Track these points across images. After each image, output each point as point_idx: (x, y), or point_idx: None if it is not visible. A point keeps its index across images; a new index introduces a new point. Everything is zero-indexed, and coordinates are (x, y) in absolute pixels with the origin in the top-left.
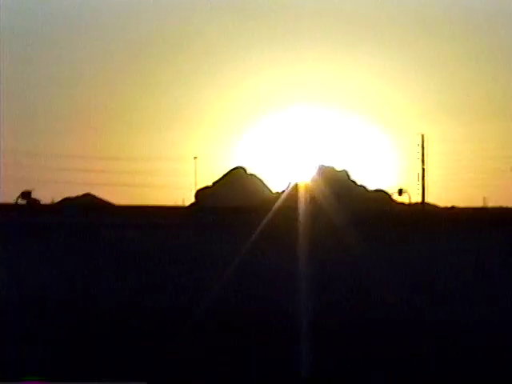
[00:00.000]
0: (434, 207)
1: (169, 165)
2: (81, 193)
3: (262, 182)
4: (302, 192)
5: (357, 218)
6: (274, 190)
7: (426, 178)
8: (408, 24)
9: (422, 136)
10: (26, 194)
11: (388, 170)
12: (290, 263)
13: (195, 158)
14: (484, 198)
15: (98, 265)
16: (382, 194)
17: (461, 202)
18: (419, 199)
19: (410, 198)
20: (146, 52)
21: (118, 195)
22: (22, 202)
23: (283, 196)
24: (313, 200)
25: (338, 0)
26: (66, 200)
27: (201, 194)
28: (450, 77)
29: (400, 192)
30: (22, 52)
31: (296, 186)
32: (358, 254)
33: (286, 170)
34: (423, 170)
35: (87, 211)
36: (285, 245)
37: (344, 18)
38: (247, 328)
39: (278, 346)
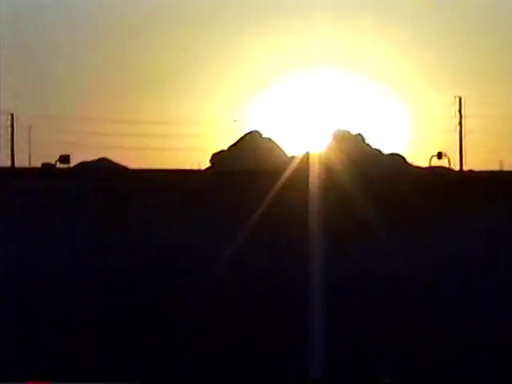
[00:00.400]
0: (452, 171)
1: (186, 129)
2: (96, 157)
3: (277, 145)
4: (313, 163)
5: (373, 188)
6: (289, 154)
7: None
8: None
9: (460, 99)
10: (64, 158)
11: (407, 135)
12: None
13: (235, 121)
14: (500, 162)
15: (124, 226)
16: (397, 158)
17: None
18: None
19: (449, 161)
20: (162, 17)
21: (134, 159)
22: (61, 165)
23: (293, 166)
24: (326, 171)
25: None
26: (82, 164)
27: (216, 157)
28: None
29: (439, 155)
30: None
31: (307, 155)
32: (375, 231)
33: (301, 134)
34: (460, 134)
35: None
36: (295, 222)
37: None
38: (255, 298)
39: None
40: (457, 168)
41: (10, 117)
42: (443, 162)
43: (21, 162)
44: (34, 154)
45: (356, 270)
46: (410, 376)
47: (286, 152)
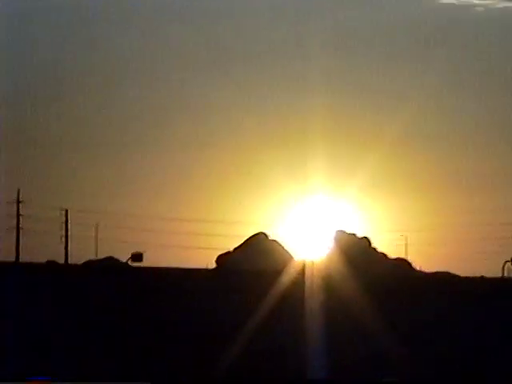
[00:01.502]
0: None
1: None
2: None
3: (283, 248)
4: (308, 273)
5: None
6: (295, 256)
7: None
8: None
9: None
10: (137, 256)
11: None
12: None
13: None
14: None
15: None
16: (402, 262)
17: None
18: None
19: None
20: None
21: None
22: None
23: (292, 271)
24: (324, 279)
25: None
26: (89, 262)
27: (222, 259)
28: None
29: None
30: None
31: (303, 264)
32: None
33: (308, 235)
34: None
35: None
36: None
37: None
38: None
39: None
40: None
41: (64, 212)
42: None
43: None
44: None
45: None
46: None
47: (292, 254)
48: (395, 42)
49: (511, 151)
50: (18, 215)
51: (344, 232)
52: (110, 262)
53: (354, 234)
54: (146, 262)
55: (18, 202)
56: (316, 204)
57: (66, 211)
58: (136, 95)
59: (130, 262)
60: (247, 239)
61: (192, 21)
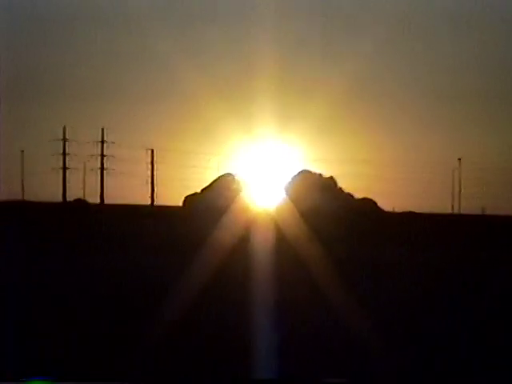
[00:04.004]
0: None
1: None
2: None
3: (248, 186)
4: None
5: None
6: (260, 198)
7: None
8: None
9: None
10: None
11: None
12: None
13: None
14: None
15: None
16: (368, 202)
17: None
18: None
19: None
20: None
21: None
22: None
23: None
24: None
25: None
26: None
27: (189, 199)
28: None
29: None
30: None
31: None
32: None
33: (272, 175)
34: None
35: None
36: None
37: None
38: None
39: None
40: None
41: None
42: None
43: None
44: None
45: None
46: None
47: (257, 192)
48: None
49: None
50: (102, 155)
51: (309, 172)
52: None
53: (320, 174)
54: None
55: (103, 141)
56: (269, 147)
57: (152, 151)
58: None
59: None
60: (214, 180)
61: None
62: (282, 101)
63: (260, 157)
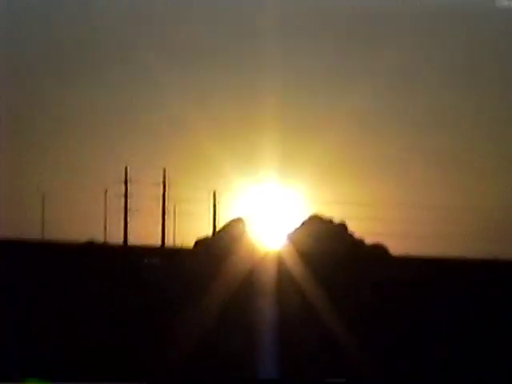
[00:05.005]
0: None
1: None
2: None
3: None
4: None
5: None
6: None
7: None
8: None
9: None
10: None
11: None
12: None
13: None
14: None
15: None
16: (379, 249)
17: None
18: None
19: None
20: None
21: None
22: None
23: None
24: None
25: None
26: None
27: (199, 243)
28: None
29: None
30: None
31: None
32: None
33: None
34: None
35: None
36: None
37: None
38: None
39: None
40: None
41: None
42: None
43: None
44: None
45: None
46: None
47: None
48: None
49: None
50: (164, 197)
51: (320, 217)
52: None
53: (330, 220)
54: None
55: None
56: (277, 190)
57: (214, 193)
58: None
59: None
60: (225, 224)
61: None
62: (287, 145)
63: (268, 200)
